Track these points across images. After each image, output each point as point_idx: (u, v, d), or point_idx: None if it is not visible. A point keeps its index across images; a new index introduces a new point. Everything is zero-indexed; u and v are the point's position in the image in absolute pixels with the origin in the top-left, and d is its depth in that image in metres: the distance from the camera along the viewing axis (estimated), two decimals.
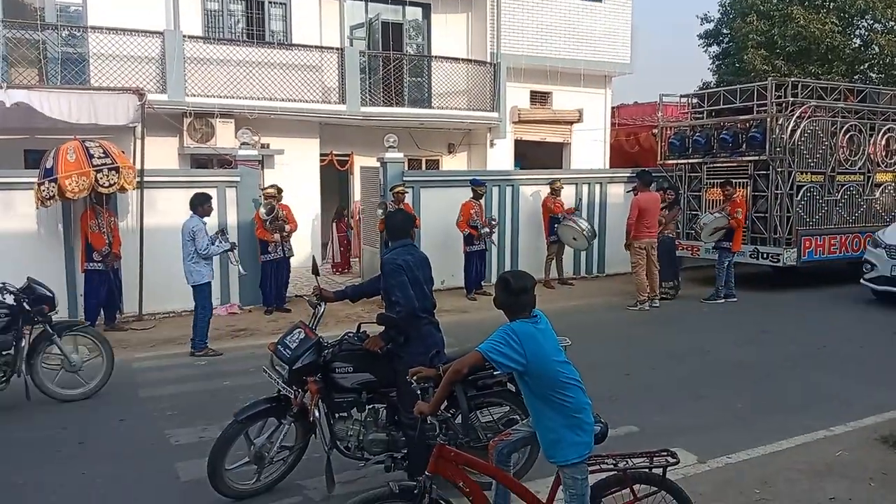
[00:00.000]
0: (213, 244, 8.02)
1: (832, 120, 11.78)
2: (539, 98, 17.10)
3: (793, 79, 12.44)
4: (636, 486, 3.37)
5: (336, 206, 14.93)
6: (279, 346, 4.43)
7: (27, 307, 6.13)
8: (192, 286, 8.00)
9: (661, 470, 3.35)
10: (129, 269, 9.46)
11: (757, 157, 11.50)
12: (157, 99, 11.65)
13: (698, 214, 12.14)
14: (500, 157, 16.28)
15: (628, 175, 13.15)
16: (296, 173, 13.61)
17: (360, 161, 14.34)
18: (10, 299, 6.17)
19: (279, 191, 10.25)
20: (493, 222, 11.50)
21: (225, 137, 12.79)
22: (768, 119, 11.32)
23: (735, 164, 12.03)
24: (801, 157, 11.40)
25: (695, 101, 13.60)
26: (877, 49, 20.22)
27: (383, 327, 4.33)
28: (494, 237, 11.67)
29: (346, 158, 15.11)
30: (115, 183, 8.66)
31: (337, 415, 4.39)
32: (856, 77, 20.25)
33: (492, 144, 16.20)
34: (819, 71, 19.67)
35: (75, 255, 9.25)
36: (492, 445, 3.62)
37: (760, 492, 4.47)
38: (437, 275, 4.77)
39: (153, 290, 9.59)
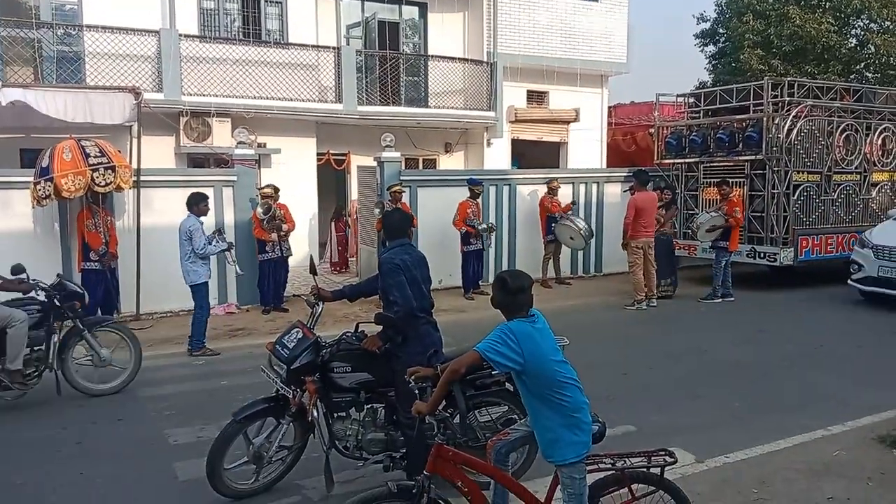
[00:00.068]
0: (209, 244, 8.01)
1: (828, 119, 11.81)
2: (536, 97, 17.10)
3: (789, 78, 12.46)
4: (634, 486, 3.38)
5: (334, 205, 14.92)
6: (277, 346, 4.42)
7: (58, 303, 6.28)
8: (190, 286, 8.00)
9: (659, 469, 3.36)
10: (127, 269, 9.44)
11: (753, 157, 11.51)
12: (153, 98, 11.62)
13: (695, 214, 12.16)
14: (497, 156, 16.27)
15: (625, 174, 13.16)
16: (292, 172, 13.59)
17: (357, 160, 14.32)
18: (41, 296, 6.29)
19: (276, 190, 10.23)
20: (492, 227, 11.47)
21: (221, 136, 12.76)
22: (765, 118, 11.34)
23: (732, 164, 12.05)
24: (797, 157, 11.43)
25: (691, 100, 13.62)
26: (873, 49, 20.28)
27: (381, 327, 4.33)
28: (492, 237, 11.68)
29: (343, 158, 15.09)
30: (111, 182, 8.64)
31: (335, 414, 4.39)
32: (852, 76, 20.30)
33: (489, 144, 16.20)
34: (815, 70, 19.71)
35: (72, 254, 9.23)
36: (490, 445, 3.63)
37: (758, 491, 4.48)
38: (434, 274, 4.76)
39: (150, 290, 9.57)
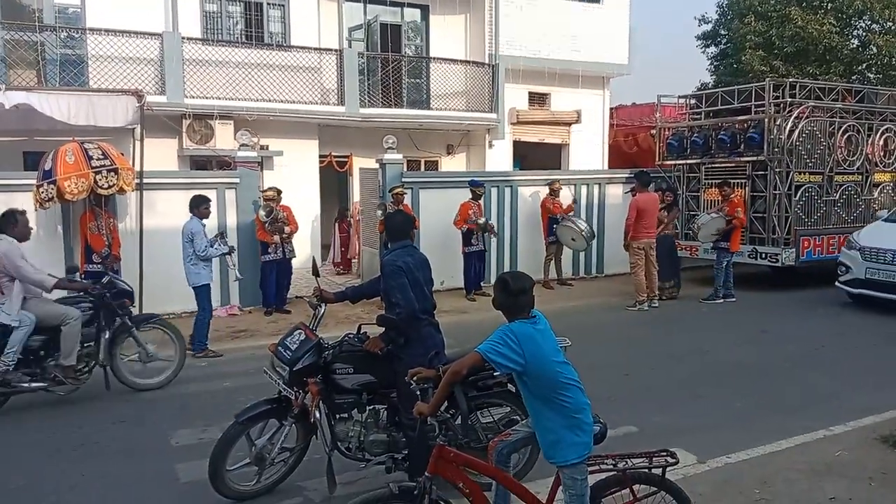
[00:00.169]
0: (211, 246, 8.04)
1: (830, 120, 11.81)
2: (537, 99, 17.11)
3: (791, 79, 12.47)
4: (636, 487, 3.38)
5: (336, 207, 14.95)
6: (280, 348, 4.43)
7: (108, 301, 6.49)
8: (192, 287, 8.02)
9: (660, 470, 3.37)
10: (129, 271, 9.43)
11: (755, 158, 11.51)
12: (156, 100, 11.64)
13: (697, 215, 12.16)
14: (499, 158, 16.29)
15: (627, 176, 13.16)
16: (295, 175, 13.62)
17: (359, 162, 14.36)
18: (93, 294, 6.50)
19: (278, 192, 10.25)
20: (491, 226, 11.47)
21: (224, 139, 12.79)
22: (766, 119, 11.34)
23: (733, 165, 12.05)
24: (799, 158, 11.42)
25: (693, 101, 13.62)
26: (875, 49, 20.23)
27: (383, 328, 4.34)
28: (492, 238, 11.69)
29: (345, 160, 15.12)
30: (113, 184, 8.65)
31: (338, 416, 4.39)
32: (854, 77, 20.26)
33: (490, 145, 16.21)
34: (817, 71, 19.67)
35: (75, 256, 9.24)
36: (492, 446, 3.63)
37: (760, 492, 4.48)
38: (436, 276, 4.77)
39: (153, 292, 9.56)
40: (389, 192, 10.71)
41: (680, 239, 12.38)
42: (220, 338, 8.73)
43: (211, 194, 9.03)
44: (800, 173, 11.46)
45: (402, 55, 15.42)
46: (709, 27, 23.96)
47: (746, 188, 11.76)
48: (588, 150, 17.28)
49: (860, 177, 12.32)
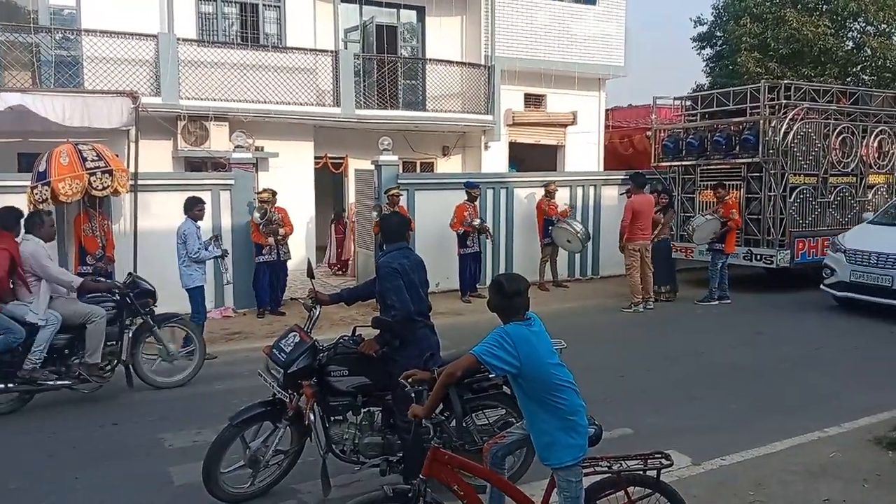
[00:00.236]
0: (205, 249, 8.04)
1: (825, 122, 11.83)
2: (533, 101, 17.13)
3: (786, 81, 12.52)
4: (630, 489, 3.38)
5: (331, 209, 14.93)
6: (274, 350, 4.42)
7: (131, 301, 6.58)
8: (186, 289, 8.01)
9: (655, 472, 3.37)
10: (123, 273, 9.34)
11: (750, 160, 11.53)
12: (150, 102, 11.61)
13: (692, 216, 12.18)
14: (495, 159, 16.30)
15: (622, 177, 13.18)
16: (290, 176, 13.58)
17: (355, 164, 14.34)
18: (116, 293, 6.59)
19: (273, 194, 10.23)
20: (487, 228, 11.47)
21: (219, 140, 12.76)
22: (761, 121, 11.37)
23: (728, 167, 12.07)
24: (793, 159, 11.45)
25: (688, 103, 13.64)
26: (869, 51, 20.34)
27: (378, 331, 4.33)
28: (488, 240, 11.70)
29: (341, 161, 15.10)
30: (108, 186, 8.63)
31: (332, 418, 4.38)
32: (848, 79, 20.36)
33: (486, 147, 16.22)
34: (812, 73, 19.76)
35: (69, 258, 9.22)
36: (486, 448, 3.63)
37: (754, 493, 4.48)
38: (431, 277, 4.77)
39: None
40: (385, 193, 10.70)
41: (675, 241, 12.40)
42: (214, 340, 8.69)
43: (206, 196, 9.00)
44: (794, 175, 11.49)
45: (398, 56, 15.43)
46: (704, 29, 24.07)
47: (741, 190, 11.79)
48: (584, 151, 17.29)
49: (854, 179, 12.35)
